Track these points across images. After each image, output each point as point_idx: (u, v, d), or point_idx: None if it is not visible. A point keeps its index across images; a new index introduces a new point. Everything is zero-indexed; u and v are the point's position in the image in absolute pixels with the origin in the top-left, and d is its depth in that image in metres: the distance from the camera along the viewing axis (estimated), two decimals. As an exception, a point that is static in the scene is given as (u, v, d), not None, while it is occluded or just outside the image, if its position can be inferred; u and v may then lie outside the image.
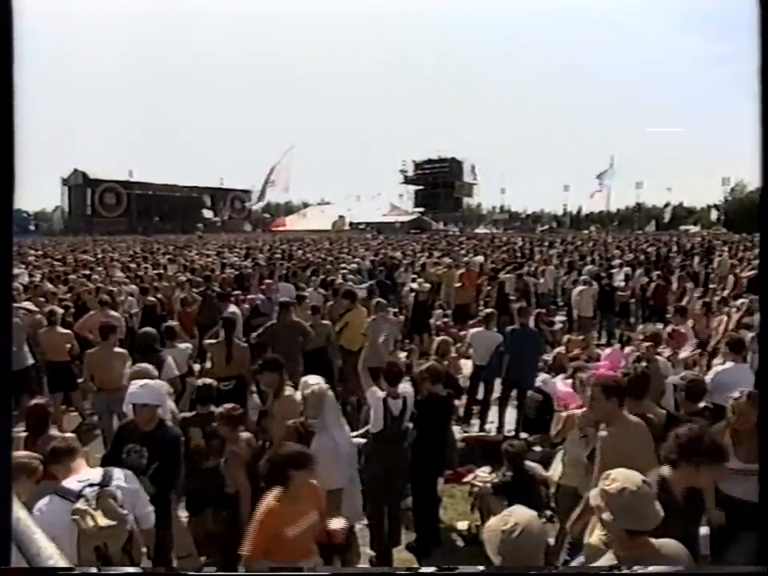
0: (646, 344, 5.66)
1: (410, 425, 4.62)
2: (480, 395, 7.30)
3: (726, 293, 10.09)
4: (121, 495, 2.83)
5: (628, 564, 2.06)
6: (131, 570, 2.64)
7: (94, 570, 2.63)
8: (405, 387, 4.69)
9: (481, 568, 2.09)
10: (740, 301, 8.27)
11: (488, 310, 7.83)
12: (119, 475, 2.95)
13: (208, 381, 4.67)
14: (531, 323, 8.07)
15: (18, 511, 1.28)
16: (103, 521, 2.65)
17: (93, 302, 8.87)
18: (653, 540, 2.17)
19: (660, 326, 8.36)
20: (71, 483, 2.79)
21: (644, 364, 5.02)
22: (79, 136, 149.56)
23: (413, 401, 4.59)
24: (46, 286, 10.69)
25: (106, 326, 6.15)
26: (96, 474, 2.90)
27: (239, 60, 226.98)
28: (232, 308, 8.58)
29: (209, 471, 4.28)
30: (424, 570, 2.96)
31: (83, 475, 2.86)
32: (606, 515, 2.16)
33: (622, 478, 2.21)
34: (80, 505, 2.66)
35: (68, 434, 3.41)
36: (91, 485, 2.78)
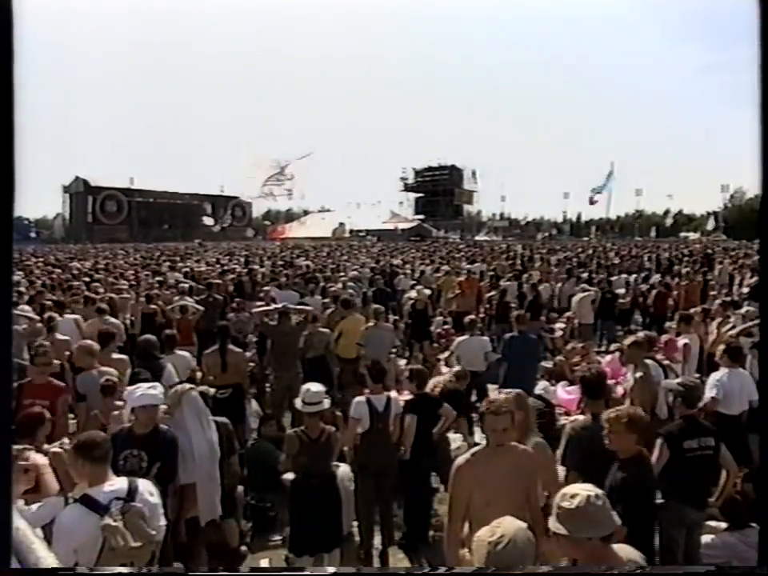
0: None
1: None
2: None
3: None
4: (147, 512, 2.76)
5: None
6: (127, 570, 2.62)
7: (95, 570, 2.62)
8: (391, 393, 4.84)
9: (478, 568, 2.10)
10: (744, 309, 8.24)
11: (470, 317, 7.86)
12: (143, 488, 2.86)
13: (203, 388, 4.65)
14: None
15: (18, 521, 1.28)
16: (133, 540, 2.61)
17: (81, 310, 8.88)
18: (613, 546, 2.17)
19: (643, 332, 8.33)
20: (97, 494, 2.71)
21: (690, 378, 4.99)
22: (80, 143, 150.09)
23: (397, 401, 4.69)
24: (45, 293, 10.68)
25: (105, 332, 6.14)
26: (121, 484, 2.80)
27: (239, 68, 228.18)
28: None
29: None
30: (423, 570, 2.95)
31: (108, 485, 2.77)
32: (569, 526, 2.10)
33: (572, 490, 2.19)
34: (109, 521, 2.60)
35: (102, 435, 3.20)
36: (117, 498, 2.70)
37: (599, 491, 2.20)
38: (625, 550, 2.23)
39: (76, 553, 2.59)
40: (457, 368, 6.43)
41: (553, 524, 2.19)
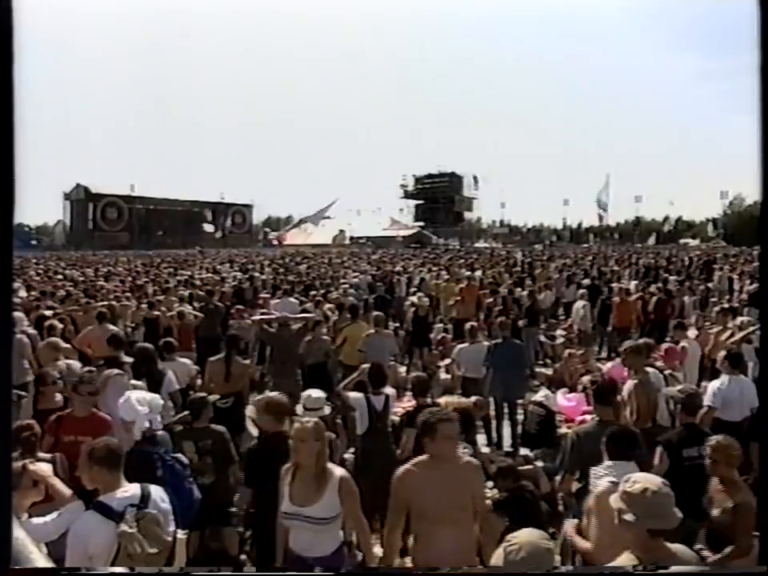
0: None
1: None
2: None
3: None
4: (162, 519, 2.75)
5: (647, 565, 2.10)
6: (124, 570, 2.61)
7: (96, 570, 2.61)
8: (387, 389, 4.83)
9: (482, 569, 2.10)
10: (745, 316, 8.23)
11: (470, 324, 7.84)
12: (155, 493, 2.85)
13: (201, 394, 4.65)
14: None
15: (17, 530, 1.27)
16: (149, 547, 2.61)
17: (83, 318, 8.91)
18: (669, 544, 2.21)
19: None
20: (111, 500, 2.69)
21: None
22: (81, 151, 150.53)
23: (395, 399, 4.74)
24: (47, 300, 10.69)
25: (116, 336, 6.15)
26: (134, 490, 2.79)
27: (239, 73, 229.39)
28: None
29: (206, 488, 4.23)
30: (423, 570, 2.94)
31: (122, 491, 2.76)
32: (628, 516, 2.18)
33: (642, 479, 2.27)
34: (125, 528, 2.60)
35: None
36: (131, 504, 2.70)
37: (665, 489, 2.23)
38: (683, 551, 2.27)
39: (91, 560, 2.58)
40: (475, 398, 6.17)
41: (614, 498, 2.27)
